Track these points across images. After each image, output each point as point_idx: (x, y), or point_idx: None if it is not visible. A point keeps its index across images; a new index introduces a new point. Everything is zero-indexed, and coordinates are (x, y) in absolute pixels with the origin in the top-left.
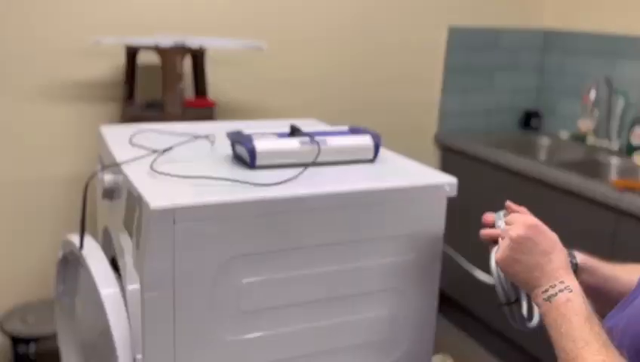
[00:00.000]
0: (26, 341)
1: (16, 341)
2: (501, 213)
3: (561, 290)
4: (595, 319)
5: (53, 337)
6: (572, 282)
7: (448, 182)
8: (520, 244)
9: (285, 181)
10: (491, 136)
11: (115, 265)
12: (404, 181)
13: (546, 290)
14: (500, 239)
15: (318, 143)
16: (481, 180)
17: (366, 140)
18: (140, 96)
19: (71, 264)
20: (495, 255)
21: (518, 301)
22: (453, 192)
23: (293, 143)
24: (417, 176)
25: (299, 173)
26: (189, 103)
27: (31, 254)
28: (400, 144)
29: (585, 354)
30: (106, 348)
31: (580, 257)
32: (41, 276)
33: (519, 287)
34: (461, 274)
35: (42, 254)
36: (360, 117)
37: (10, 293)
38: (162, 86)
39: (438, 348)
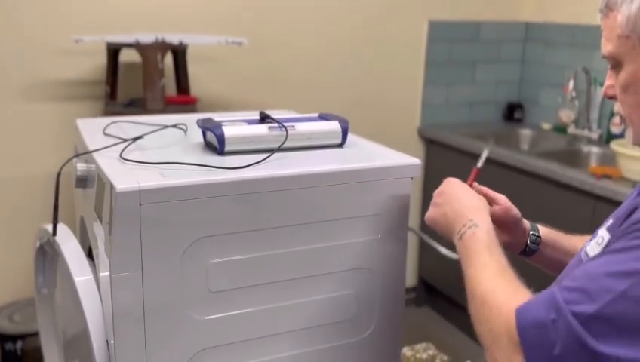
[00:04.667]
0: (13, 338)
1: (3, 338)
2: None
3: (469, 227)
4: (497, 248)
5: (39, 335)
6: (481, 219)
7: (411, 163)
8: (438, 198)
9: (252, 164)
10: (474, 128)
11: (92, 255)
12: (369, 163)
13: (459, 230)
14: None
15: (286, 128)
16: (466, 172)
17: (334, 125)
18: (122, 94)
19: (48, 255)
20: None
21: None
22: (417, 173)
23: (262, 129)
24: (382, 158)
25: (266, 157)
26: (171, 100)
27: (16, 252)
28: (384, 138)
29: (481, 276)
30: (84, 341)
31: (543, 230)
32: (27, 274)
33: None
34: (451, 267)
35: (27, 252)
36: (342, 111)
37: None
38: (143, 83)
39: (426, 340)
